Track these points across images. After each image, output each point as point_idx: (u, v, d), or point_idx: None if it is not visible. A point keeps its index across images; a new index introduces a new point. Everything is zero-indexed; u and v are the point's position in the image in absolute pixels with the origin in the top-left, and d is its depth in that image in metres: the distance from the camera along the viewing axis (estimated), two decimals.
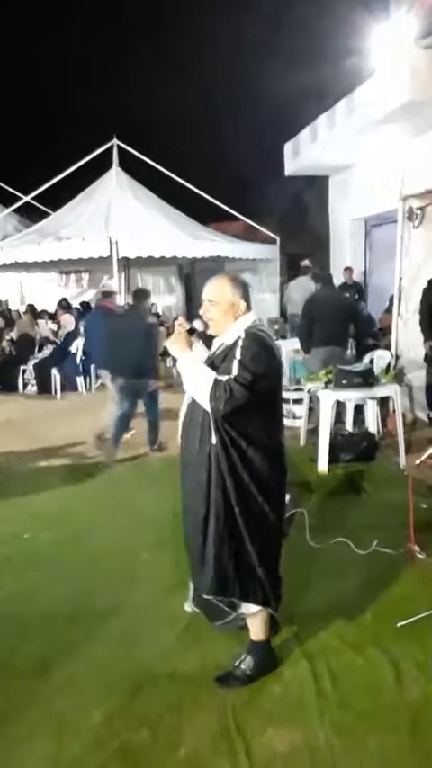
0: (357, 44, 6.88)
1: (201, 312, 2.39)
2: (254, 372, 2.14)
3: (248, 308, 2.34)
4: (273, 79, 11.09)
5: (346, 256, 9.72)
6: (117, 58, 16.06)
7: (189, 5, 14.66)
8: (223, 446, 2.22)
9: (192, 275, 8.57)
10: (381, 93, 6.50)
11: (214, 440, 2.22)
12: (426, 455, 2.83)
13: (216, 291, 2.32)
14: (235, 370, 2.15)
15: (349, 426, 5.67)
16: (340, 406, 5.51)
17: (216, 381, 2.14)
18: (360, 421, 5.67)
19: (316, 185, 11.19)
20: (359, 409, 5.68)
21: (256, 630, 2.43)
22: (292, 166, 9.66)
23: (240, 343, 2.21)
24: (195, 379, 2.23)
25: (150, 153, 10.48)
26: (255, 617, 2.40)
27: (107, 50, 16.21)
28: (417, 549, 3.38)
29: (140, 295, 5.42)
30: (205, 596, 2.33)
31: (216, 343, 2.39)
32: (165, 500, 3.89)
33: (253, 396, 2.14)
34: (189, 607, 2.56)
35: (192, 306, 11.99)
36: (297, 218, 13.11)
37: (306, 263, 9.49)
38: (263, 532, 2.29)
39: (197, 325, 2.42)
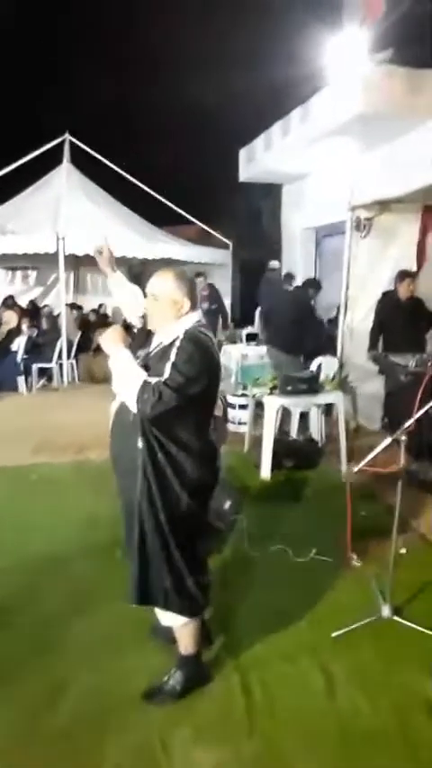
0: (313, 54, 6.96)
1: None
2: (186, 376, 2.02)
3: (193, 307, 2.22)
4: (231, 85, 11.12)
5: (297, 265, 9.81)
6: (72, 55, 15.72)
7: (150, 10, 14.53)
8: (150, 451, 2.10)
9: (141, 276, 8.41)
10: (334, 103, 6.58)
11: (140, 444, 2.10)
12: (363, 463, 2.80)
13: (158, 286, 2.19)
14: (167, 373, 2.02)
15: (293, 433, 5.68)
16: (286, 413, 5.50)
17: (145, 383, 2.02)
18: (304, 428, 5.67)
19: (271, 193, 11.28)
20: (304, 416, 5.69)
21: (186, 644, 2.32)
22: (245, 173, 9.69)
23: (177, 343, 2.08)
24: (124, 379, 2.09)
25: (103, 152, 10.31)
26: (183, 630, 2.30)
27: (62, 47, 15.88)
28: (354, 557, 3.37)
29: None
30: (132, 605, 2.22)
31: (154, 342, 2.27)
32: (102, 503, 3.75)
33: (184, 400, 2.02)
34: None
35: None
36: (251, 225, 13.19)
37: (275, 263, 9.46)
38: (192, 540, 2.19)
39: (136, 320, 2.29)
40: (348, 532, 3.11)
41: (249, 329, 10.19)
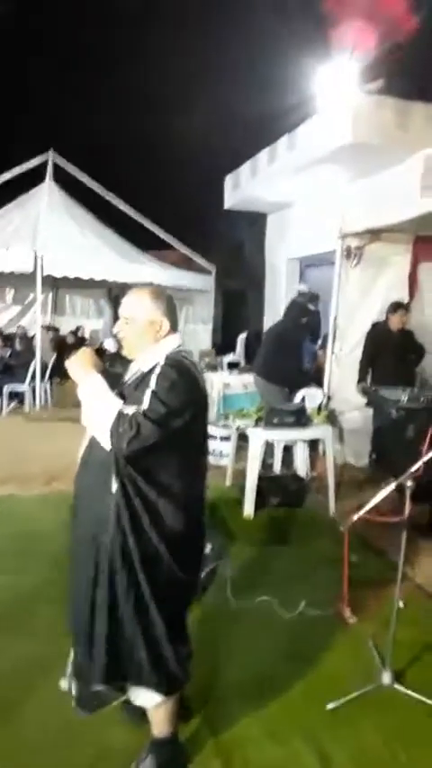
0: (302, 82, 6.92)
1: (114, 330, 1.98)
2: (169, 406, 1.73)
3: (173, 329, 1.94)
4: (218, 112, 11.12)
5: (280, 295, 9.68)
6: (61, 76, 15.68)
7: (141, 32, 14.63)
8: (126, 497, 1.79)
9: (120, 300, 8.13)
10: (322, 132, 6.51)
11: (114, 487, 1.78)
12: (363, 511, 2.53)
13: (133, 306, 1.91)
14: (146, 402, 1.73)
15: (277, 467, 5.40)
16: (268, 445, 5.23)
17: (120, 414, 1.72)
18: (288, 462, 5.40)
19: (256, 222, 11.22)
20: (288, 448, 5.42)
21: (160, 725, 1.98)
22: (231, 200, 9.61)
23: (158, 370, 1.80)
24: (95, 409, 1.79)
25: (89, 173, 10.14)
26: (158, 709, 1.95)
27: (52, 66, 15.83)
28: (347, 611, 3.06)
29: None
30: (96, 687, 1.86)
31: (131, 370, 1.98)
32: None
33: (166, 434, 1.73)
34: (66, 684, 2.05)
35: None
36: (235, 252, 13.10)
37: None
38: (172, 604, 1.86)
39: (110, 344, 1.99)
40: (345, 587, 2.82)
41: (231, 357, 9.98)
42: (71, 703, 2.01)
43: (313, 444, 5.27)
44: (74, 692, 1.96)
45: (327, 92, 6.49)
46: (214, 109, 11.30)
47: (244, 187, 9.00)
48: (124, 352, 1.98)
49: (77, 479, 1.95)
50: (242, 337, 10.37)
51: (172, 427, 1.74)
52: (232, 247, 13.04)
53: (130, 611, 1.81)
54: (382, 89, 6.18)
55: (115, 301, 12.10)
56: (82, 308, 12.84)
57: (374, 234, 5.27)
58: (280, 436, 4.77)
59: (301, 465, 5.17)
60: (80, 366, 1.86)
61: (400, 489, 2.44)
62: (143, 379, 1.83)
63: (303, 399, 5.52)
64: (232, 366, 8.55)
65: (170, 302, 1.95)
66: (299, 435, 4.75)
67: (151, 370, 1.82)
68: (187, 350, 1.98)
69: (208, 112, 11.36)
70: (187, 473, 1.89)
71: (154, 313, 1.89)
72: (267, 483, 4.68)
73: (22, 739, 2.19)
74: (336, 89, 6.28)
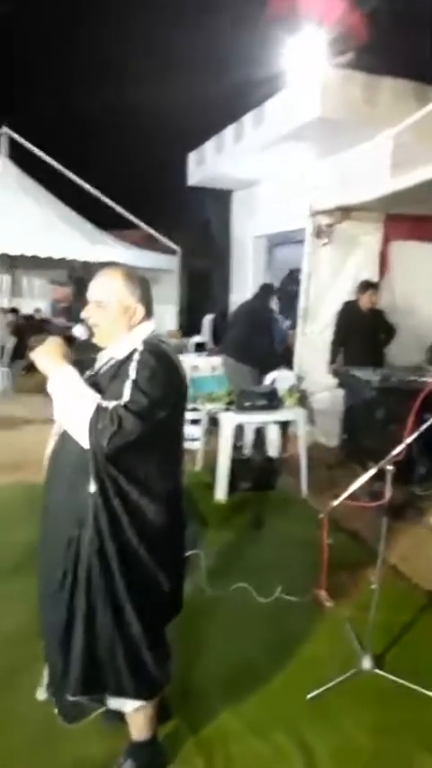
0: (271, 57, 6.74)
1: (83, 315, 1.81)
2: (151, 396, 1.60)
3: (149, 314, 1.79)
4: (182, 87, 10.78)
5: (247, 274, 9.57)
6: (17, 50, 14.92)
7: (97, 8, 13.99)
8: (104, 496, 1.65)
9: (83, 281, 7.85)
10: (290, 107, 6.37)
11: (93, 488, 1.64)
12: (343, 497, 2.47)
13: (104, 290, 1.74)
14: (126, 394, 1.59)
15: (247, 449, 5.33)
16: (239, 426, 5.15)
17: (99, 408, 1.57)
18: (259, 444, 5.34)
19: (221, 200, 11.02)
20: (258, 430, 5.35)
21: (139, 728, 1.88)
22: (194, 177, 9.39)
23: (136, 357, 1.65)
24: (70, 405, 1.63)
25: (46, 150, 9.72)
26: (137, 713, 1.85)
27: (7, 42, 15.04)
28: (324, 595, 3.02)
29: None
30: (71, 698, 1.73)
31: (103, 358, 1.82)
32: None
33: (149, 427, 1.60)
34: (43, 695, 1.93)
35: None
36: (200, 231, 12.88)
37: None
38: (151, 607, 1.75)
39: (79, 331, 1.82)
40: (324, 571, 2.77)
41: (197, 338, 9.85)
42: (49, 709, 1.90)
43: (284, 425, 5.22)
44: (54, 701, 1.84)
45: (294, 65, 6.34)
46: (177, 82, 10.95)
47: (209, 164, 8.80)
48: (95, 340, 1.82)
49: (49, 472, 1.81)
50: (209, 318, 10.23)
51: (155, 419, 1.62)
52: (197, 226, 12.81)
53: (109, 618, 1.68)
54: (350, 63, 6.07)
55: (78, 283, 11.75)
56: (40, 289, 12.42)
57: (345, 212, 5.18)
58: (252, 419, 4.69)
59: (273, 447, 5.11)
60: (49, 357, 1.68)
61: (380, 474, 2.39)
62: (120, 367, 1.68)
63: (274, 382, 5.45)
64: (199, 347, 8.42)
65: (144, 286, 1.80)
66: (270, 418, 4.67)
67: (128, 358, 1.68)
68: (162, 334, 1.84)
69: (171, 86, 11.01)
70: (168, 465, 1.78)
71: (128, 298, 1.74)
72: (238, 466, 4.61)
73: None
74: (304, 62, 6.14)
